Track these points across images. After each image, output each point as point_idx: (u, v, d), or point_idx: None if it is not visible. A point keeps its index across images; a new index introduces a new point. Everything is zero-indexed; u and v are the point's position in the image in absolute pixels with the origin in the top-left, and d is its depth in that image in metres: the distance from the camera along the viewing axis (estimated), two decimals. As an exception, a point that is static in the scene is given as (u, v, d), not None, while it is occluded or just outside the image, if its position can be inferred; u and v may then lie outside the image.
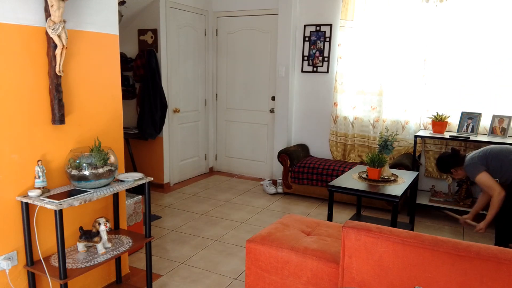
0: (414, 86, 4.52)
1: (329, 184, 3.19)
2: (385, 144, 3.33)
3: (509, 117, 4.07)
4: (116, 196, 2.75)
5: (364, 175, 3.35)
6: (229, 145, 5.97)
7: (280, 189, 5.06)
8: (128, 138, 4.73)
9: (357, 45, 4.75)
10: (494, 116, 4.12)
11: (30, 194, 2.14)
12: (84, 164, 2.24)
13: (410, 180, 3.31)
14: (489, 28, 4.12)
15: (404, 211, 4.42)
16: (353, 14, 4.71)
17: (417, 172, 3.65)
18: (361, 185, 3.17)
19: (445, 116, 4.23)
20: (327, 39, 5.03)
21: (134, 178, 2.50)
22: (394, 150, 4.72)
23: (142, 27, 4.98)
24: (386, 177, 3.28)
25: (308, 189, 4.81)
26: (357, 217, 3.91)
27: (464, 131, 4.20)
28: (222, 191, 5.14)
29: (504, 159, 3.18)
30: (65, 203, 2.06)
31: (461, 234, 3.95)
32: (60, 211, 2.04)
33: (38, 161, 2.19)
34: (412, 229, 3.67)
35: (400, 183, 3.23)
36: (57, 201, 2.06)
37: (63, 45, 2.19)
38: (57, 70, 2.21)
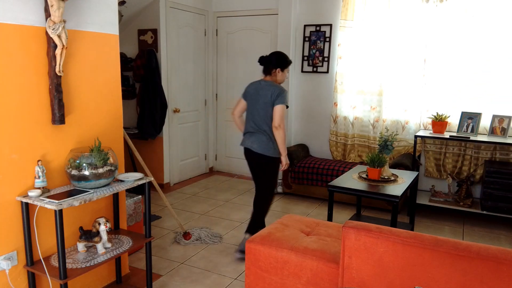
0: (414, 86, 4.53)
1: (329, 184, 3.20)
2: (385, 144, 3.34)
3: (509, 117, 4.07)
4: (116, 196, 2.75)
5: (364, 175, 3.35)
6: (229, 145, 5.97)
7: (280, 189, 5.06)
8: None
9: (357, 45, 4.75)
10: (494, 116, 4.13)
11: (30, 194, 2.14)
12: (84, 164, 2.24)
13: (410, 180, 3.31)
14: (489, 28, 4.12)
15: (404, 211, 4.42)
16: (353, 14, 4.71)
17: (417, 172, 3.65)
18: (361, 185, 3.17)
19: (445, 116, 4.23)
20: (327, 39, 5.02)
21: (134, 178, 2.50)
22: (394, 150, 4.72)
23: (142, 27, 4.98)
24: (386, 177, 3.28)
25: (308, 189, 4.81)
26: (357, 217, 3.91)
27: (464, 131, 4.20)
28: (222, 191, 5.14)
29: None
30: (65, 203, 2.06)
31: (461, 234, 3.95)
32: (60, 211, 2.04)
33: (38, 161, 2.19)
34: (412, 229, 3.68)
35: (400, 183, 3.23)
36: (57, 201, 2.06)
37: (63, 45, 2.19)
38: (57, 70, 2.21)
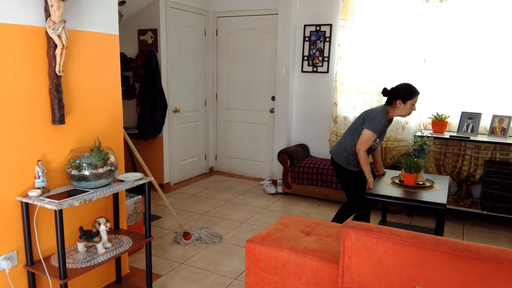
0: (414, 86, 4.51)
1: (365, 192, 3.03)
2: (421, 148, 3.15)
3: (509, 117, 4.07)
4: (116, 196, 2.75)
5: (397, 181, 3.17)
6: (229, 145, 5.97)
7: (280, 189, 5.06)
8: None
9: (357, 45, 4.75)
10: (494, 116, 4.13)
11: (30, 194, 2.14)
12: (84, 164, 2.24)
13: (446, 186, 3.15)
14: (489, 28, 4.12)
15: (404, 211, 4.42)
16: (353, 14, 4.71)
17: (448, 177, 3.49)
18: (397, 192, 3.00)
19: (445, 116, 4.23)
20: (327, 39, 5.02)
21: (134, 178, 2.50)
22: (394, 150, 4.72)
23: (142, 27, 4.98)
24: (421, 183, 3.10)
25: (308, 189, 4.81)
26: (383, 223, 3.71)
27: (464, 131, 4.20)
28: (222, 191, 5.14)
29: None
30: (65, 203, 2.06)
31: (461, 234, 3.95)
32: (60, 211, 2.04)
33: (38, 161, 2.19)
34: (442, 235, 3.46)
35: (437, 189, 3.06)
36: (57, 201, 2.06)
37: (63, 45, 2.19)
38: (57, 70, 2.21)
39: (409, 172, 3.08)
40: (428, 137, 3.25)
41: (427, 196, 2.92)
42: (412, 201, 2.89)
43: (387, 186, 3.12)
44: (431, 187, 3.09)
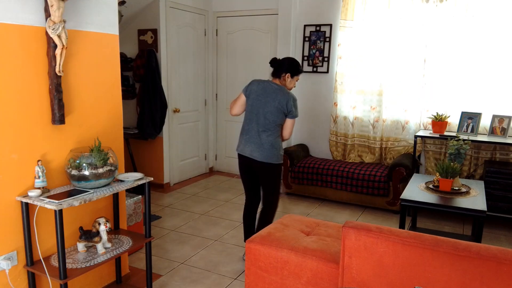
0: (414, 86, 4.52)
1: (402, 198, 2.92)
2: (458, 152, 3.07)
3: (509, 117, 4.07)
4: (116, 196, 2.75)
5: (431, 186, 3.09)
6: (229, 145, 5.97)
7: (280, 189, 5.05)
8: (128, 138, 4.73)
9: (357, 45, 4.75)
10: (494, 116, 4.13)
11: (30, 194, 2.14)
12: (84, 164, 2.24)
13: (482, 191, 3.07)
14: (489, 28, 4.12)
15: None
16: (353, 14, 4.71)
17: (482, 181, 3.41)
18: (433, 198, 2.91)
19: (445, 116, 4.23)
20: (327, 39, 5.02)
21: (134, 178, 2.50)
22: (393, 150, 4.72)
23: (142, 27, 4.98)
24: (457, 188, 3.01)
25: (308, 189, 4.81)
26: (414, 229, 3.61)
27: (464, 131, 4.20)
28: (222, 191, 5.14)
29: None
30: (65, 203, 2.06)
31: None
32: (60, 211, 2.04)
33: (38, 161, 2.19)
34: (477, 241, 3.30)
35: (474, 194, 2.97)
36: (57, 201, 2.06)
37: (63, 45, 2.19)
38: (57, 70, 2.21)
39: (445, 177, 2.97)
40: (464, 140, 3.15)
41: (465, 202, 2.82)
42: (451, 208, 2.79)
43: (422, 192, 3.01)
44: (467, 192, 2.99)
